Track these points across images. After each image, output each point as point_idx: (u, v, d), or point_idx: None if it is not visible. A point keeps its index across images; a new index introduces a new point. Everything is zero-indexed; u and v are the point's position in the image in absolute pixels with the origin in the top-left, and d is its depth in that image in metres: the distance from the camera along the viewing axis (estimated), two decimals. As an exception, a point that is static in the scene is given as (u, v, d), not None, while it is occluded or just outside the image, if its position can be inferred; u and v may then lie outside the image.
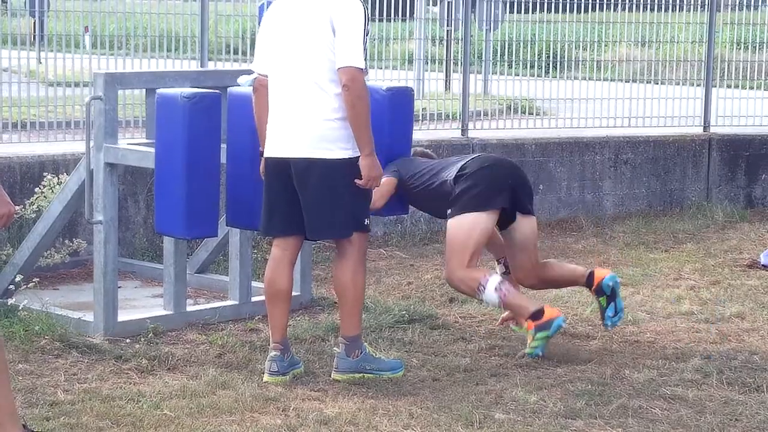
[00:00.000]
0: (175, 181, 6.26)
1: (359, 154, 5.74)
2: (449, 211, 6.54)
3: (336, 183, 5.73)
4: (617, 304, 6.63)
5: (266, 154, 5.88)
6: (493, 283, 6.42)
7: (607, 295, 6.62)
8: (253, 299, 7.11)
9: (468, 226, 6.46)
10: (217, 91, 6.53)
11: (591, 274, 6.67)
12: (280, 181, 5.82)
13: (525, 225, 6.70)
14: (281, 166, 5.80)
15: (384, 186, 6.53)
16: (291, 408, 5.39)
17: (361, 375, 5.86)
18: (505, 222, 6.68)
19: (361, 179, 5.76)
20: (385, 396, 5.62)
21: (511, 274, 6.93)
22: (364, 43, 5.66)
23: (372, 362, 5.92)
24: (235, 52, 11.24)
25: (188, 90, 6.40)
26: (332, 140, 5.70)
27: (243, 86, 6.22)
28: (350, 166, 5.73)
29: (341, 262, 5.90)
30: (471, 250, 6.45)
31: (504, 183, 6.59)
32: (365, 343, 6.00)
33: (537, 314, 6.35)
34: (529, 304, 6.44)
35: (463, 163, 6.66)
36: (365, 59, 5.67)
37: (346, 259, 5.87)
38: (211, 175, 6.36)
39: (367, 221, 5.91)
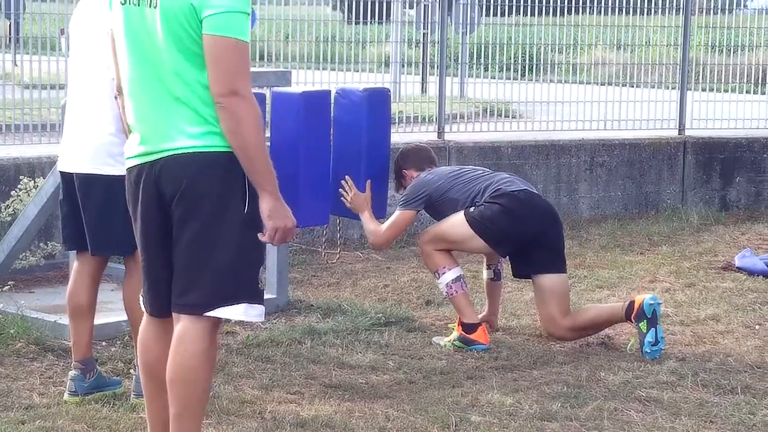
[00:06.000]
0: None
1: None
2: (471, 208, 6.63)
3: (118, 199, 5.11)
4: (657, 331, 6.42)
5: (58, 168, 5.64)
6: (449, 277, 6.68)
7: (648, 318, 6.41)
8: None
9: (461, 231, 6.62)
10: None
11: (631, 302, 6.53)
12: (68, 195, 5.56)
13: (548, 279, 6.68)
14: (68, 180, 5.55)
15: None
16: (267, 411, 5.39)
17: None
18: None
19: None
20: (362, 399, 5.63)
21: (499, 281, 7.14)
22: None
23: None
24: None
25: None
26: (114, 155, 5.30)
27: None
28: None
29: (126, 280, 5.60)
30: (446, 243, 6.72)
31: (519, 237, 6.65)
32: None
33: (470, 328, 6.59)
34: (469, 316, 6.63)
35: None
36: None
37: (131, 276, 5.52)
38: None
39: None
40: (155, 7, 4.03)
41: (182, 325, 4.12)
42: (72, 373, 5.61)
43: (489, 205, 6.60)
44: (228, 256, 4.06)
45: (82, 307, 5.63)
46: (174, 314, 4.17)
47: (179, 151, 4.03)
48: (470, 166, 7.17)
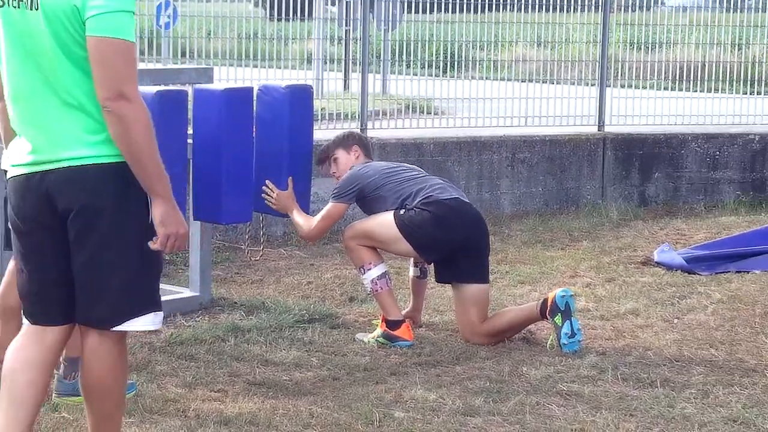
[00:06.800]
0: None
1: None
2: (402, 211, 6.64)
3: None
4: (573, 324, 6.47)
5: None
6: (374, 273, 6.69)
7: (562, 311, 6.45)
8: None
9: (389, 232, 6.64)
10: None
11: (544, 300, 6.58)
12: None
13: (470, 288, 6.73)
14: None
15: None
16: (191, 409, 5.37)
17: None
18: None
19: None
20: (286, 396, 5.63)
21: (425, 278, 7.14)
22: None
23: None
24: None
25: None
26: None
27: None
28: None
29: None
30: (372, 241, 6.70)
31: (447, 248, 6.68)
32: None
33: (394, 324, 6.62)
34: (393, 312, 6.66)
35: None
36: None
37: None
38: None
39: None
40: (36, 9, 3.85)
41: (91, 338, 4.07)
42: None
43: (419, 211, 6.62)
44: (132, 269, 3.99)
45: (14, 308, 5.56)
46: (81, 326, 4.11)
47: (78, 162, 3.88)
48: (405, 165, 7.14)
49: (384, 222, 6.66)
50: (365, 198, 6.81)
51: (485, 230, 6.88)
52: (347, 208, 6.93)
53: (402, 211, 6.64)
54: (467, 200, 6.91)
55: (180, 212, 3.99)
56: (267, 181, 6.82)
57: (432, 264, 6.91)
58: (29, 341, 4.15)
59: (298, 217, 6.85)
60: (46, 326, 4.13)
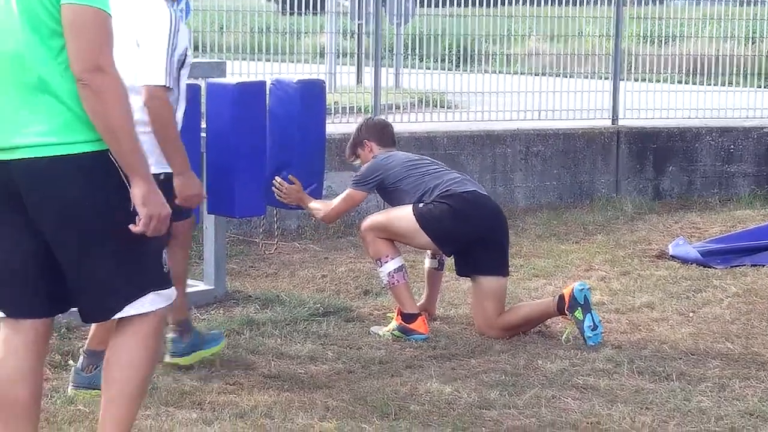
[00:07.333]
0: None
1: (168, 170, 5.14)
2: (420, 204, 6.66)
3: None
4: (594, 317, 6.47)
5: None
6: (390, 266, 6.68)
7: (581, 304, 6.44)
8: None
9: (408, 225, 6.64)
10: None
11: (560, 296, 6.56)
12: None
13: (488, 281, 6.73)
14: None
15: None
16: (206, 402, 5.37)
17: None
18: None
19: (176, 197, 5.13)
20: (301, 389, 5.62)
21: (442, 270, 7.16)
22: (168, 58, 4.98)
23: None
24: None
25: None
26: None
27: None
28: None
29: None
30: (390, 233, 6.70)
31: (465, 239, 6.68)
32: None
33: (409, 317, 6.61)
34: (409, 306, 6.65)
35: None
36: (169, 75, 4.97)
37: None
38: None
39: None
40: None
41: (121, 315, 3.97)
42: None
43: (438, 205, 6.62)
44: (125, 258, 3.83)
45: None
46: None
47: (43, 153, 3.69)
48: (427, 158, 7.14)
49: (402, 214, 6.66)
50: (386, 189, 6.83)
51: (504, 223, 6.86)
52: (366, 196, 6.95)
53: (420, 205, 6.65)
54: (485, 193, 6.90)
55: (161, 193, 3.81)
56: (276, 177, 6.80)
57: (451, 257, 6.90)
58: (8, 353, 3.93)
59: (314, 204, 6.86)
60: (21, 319, 3.93)
